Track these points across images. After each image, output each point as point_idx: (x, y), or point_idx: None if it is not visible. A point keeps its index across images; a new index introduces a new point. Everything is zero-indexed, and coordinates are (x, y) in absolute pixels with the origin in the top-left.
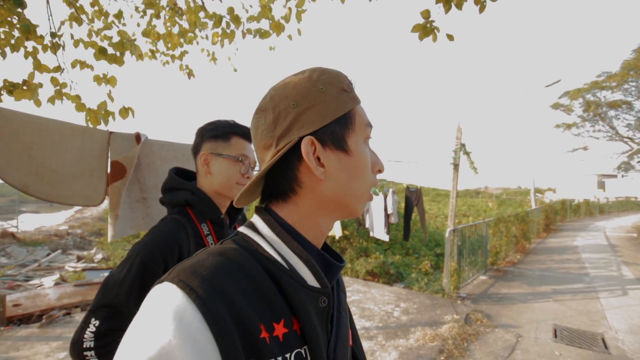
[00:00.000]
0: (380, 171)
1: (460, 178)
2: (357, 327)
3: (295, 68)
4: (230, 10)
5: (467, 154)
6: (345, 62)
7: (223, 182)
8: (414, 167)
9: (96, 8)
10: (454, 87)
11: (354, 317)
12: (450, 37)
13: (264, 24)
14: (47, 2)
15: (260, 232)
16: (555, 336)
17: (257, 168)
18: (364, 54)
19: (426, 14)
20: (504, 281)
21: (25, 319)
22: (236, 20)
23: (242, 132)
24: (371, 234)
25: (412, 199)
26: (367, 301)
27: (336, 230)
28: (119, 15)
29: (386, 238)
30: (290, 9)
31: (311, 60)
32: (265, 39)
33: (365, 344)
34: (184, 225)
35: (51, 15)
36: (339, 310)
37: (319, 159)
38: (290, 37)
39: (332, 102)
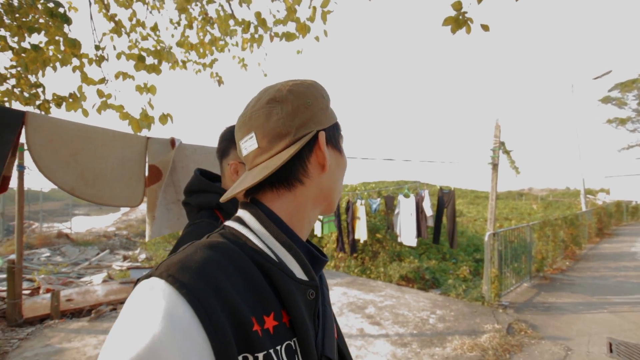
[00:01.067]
0: None
1: (501, 179)
2: (391, 333)
3: (322, 70)
4: (258, 15)
5: (507, 152)
6: (375, 60)
7: None
8: (450, 168)
9: (134, 21)
10: (491, 82)
11: (386, 322)
12: (485, 28)
13: (291, 27)
14: (91, 17)
15: (248, 225)
16: (611, 351)
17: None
18: (393, 51)
19: (458, 5)
20: (551, 290)
21: (76, 313)
22: (263, 24)
23: None
24: (399, 240)
25: (444, 200)
26: (400, 307)
27: (361, 235)
28: (155, 27)
29: (414, 244)
30: (314, 8)
31: (340, 62)
32: (292, 41)
33: (399, 351)
34: (213, 223)
35: (95, 30)
36: (324, 304)
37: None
38: (317, 38)
39: (330, 110)
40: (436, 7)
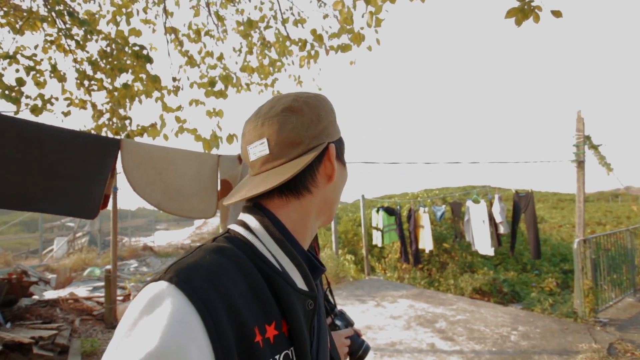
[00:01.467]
0: None
1: (589, 178)
2: (466, 349)
3: (376, 80)
4: (314, 32)
5: (594, 147)
6: (436, 55)
7: None
8: (525, 169)
9: (203, 54)
10: (570, 70)
11: (460, 338)
12: (556, 14)
13: (344, 39)
14: (169, 54)
15: (253, 231)
16: None
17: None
18: (456, 43)
19: None
20: None
21: None
22: (319, 39)
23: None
24: (473, 248)
25: (520, 205)
26: (475, 322)
27: (426, 244)
28: (221, 57)
29: (491, 252)
30: (371, 13)
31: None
32: (347, 52)
33: None
34: None
35: (172, 64)
36: (319, 314)
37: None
38: (369, 48)
39: (337, 125)
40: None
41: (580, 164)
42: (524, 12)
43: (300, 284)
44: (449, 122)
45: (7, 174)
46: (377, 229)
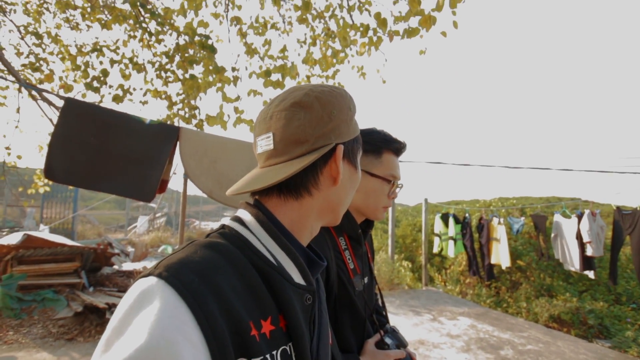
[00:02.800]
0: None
1: None
2: None
3: (449, 74)
4: (377, 16)
5: None
6: (520, 49)
7: (371, 204)
8: (632, 181)
9: (266, 47)
10: None
11: None
12: None
13: (413, 23)
14: (229, 41)
15: (248, 226)
16: None
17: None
18: (545, 35)
19: None
20: None
21: None
22: (383, 24)
23: (396, 149)
24: (565, 267)
25: (623, 225)
26: (550, 355)
27: (502, 259)
28: (283, 49)
29: (591, 274)
30: None
31: (470, 59)
32: (414, 37)
33: None
34: (325, 238)
35: (232, 54)
36: (320, 309)
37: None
38: (444, 33)
39: (353, 123)
40: None
41: None
42: None
43: (298, 278)
44: (533, 123)
45: (80, 156)
46: (440, 236)
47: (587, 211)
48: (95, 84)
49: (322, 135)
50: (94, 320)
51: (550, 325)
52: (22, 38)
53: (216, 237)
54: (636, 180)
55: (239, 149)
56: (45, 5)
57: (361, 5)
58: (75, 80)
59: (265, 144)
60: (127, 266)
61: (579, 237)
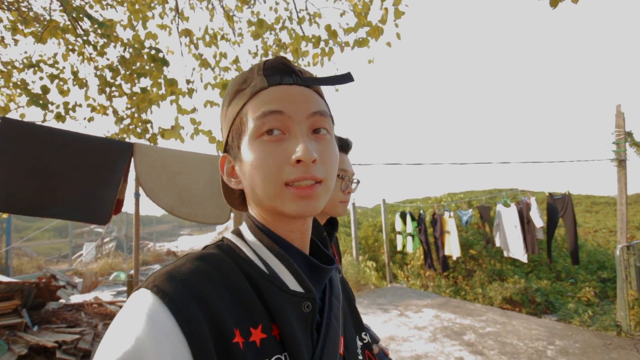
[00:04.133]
0: (298, 161)
1: (631, 178)
2: None
3: (397, 80)
4: (328, 28)
5: (637, 144)
6: (460, 53)
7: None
8: (555, 170)
9: (218, 57)
10: (608, 63)
11: (491, 352)
12: None
13: (361, 33)
14: (182, 54)
15: (244, 237)
16: None
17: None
18: (482, 39)
19: None
20: None
21: None
22: (334, 35)
23: (340, 146)
24: (505, 254)
25: (556, 208)
26: (507, 334)
27: (453, 250)
28: (236, 60)
29: (524, 259)
30: (386, 9)
31: (414, 65)
32: (363, 47)
33: None
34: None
35: (185, 66)
36: (329, 317)
37: (234, 170)
38: (389, 44)
39: (228, 114)
40: None
41: (622, 162)
42: None
43: (293, 285)
44: (474, 121)
45: (21, 180)
46: (401, 233)
47: (533, 198)
48: (37, 101)
49: (225, 150)
50: None
51: (504, 307)
52: None
53: (212, 248)
54: (559, 169)
55: (199, 161)
56: None
57: (311, 18)
58: (10, 98)
59: None
60: (76, 298)
61: (529, 222)
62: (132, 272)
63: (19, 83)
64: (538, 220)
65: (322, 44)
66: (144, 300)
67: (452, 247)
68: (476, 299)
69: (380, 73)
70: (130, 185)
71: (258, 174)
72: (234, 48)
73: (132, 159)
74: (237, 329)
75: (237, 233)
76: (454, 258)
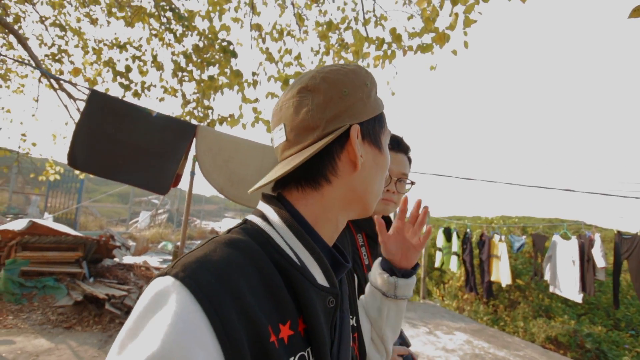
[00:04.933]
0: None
1: None
2: None
3: (456, 88)
4: (393, 31)
5: None
6: (529, 69)
7: None
8: (631, 205)
9: (282, 52)
10: None
11: None
12: None
13: (426, 39)
14: (251, 47)
15: (271, 223)
16: None
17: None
18: (553, 55)
19: None
20: None
21: None
22: (398, 39)
23: (391, 143)
24: (551, 289)
25: (622, 248)
26: None
27: (502, 277)
28: (298, 56)
29: (578, 298)
30: (456, 14)
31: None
32: (427, 52)
33: None
34: (345, 232)
35: (253, 58)
36: (342, 311)
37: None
38: (455, 52)
39: (373, 100)
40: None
41: None
42: None
43: (321, 279)
44: (538, 143)
45: (101, 146)
46: (442, 250)
47: (597, 235)
48: (120, 79)
49: (334, 118)
50: (92, 311)
51: (546, 346)
52: (46, 29)
53: (238, 232)
54: (637, 205)
55: (252, 149)
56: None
57: (377, 20)
58: (98, 74)
59: (278, 136)
60: (128, 259)
61: (589, 260)
62: (178, 243)
63: (107, 61)
64: (600, 259)
65: (385, 46)
66: (171, 293)
67: (502, 273)
68: (516, 332)
69: (442, 80)
70: (188, 163)
71: (385, 173)
72: (298, 44)
73: (194, 139)
74: (270, 326)
75: (262, 216)
76: (503, 285)
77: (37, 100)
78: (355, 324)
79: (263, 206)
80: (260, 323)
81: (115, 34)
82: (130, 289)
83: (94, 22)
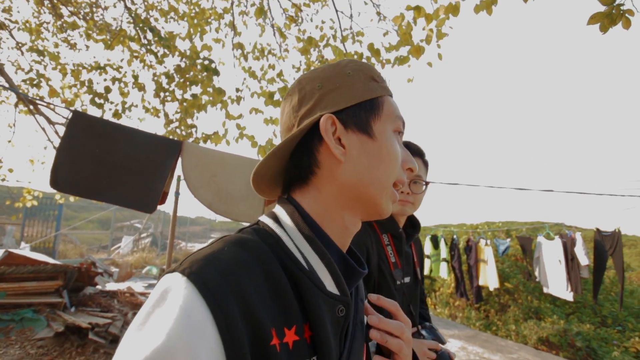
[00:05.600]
0: (411, 170)
1: None
2: None
3: (434, 98)
4: (371, 47)
5: None
6: (505, 73)
7: None
8: (607, 206)
9: (265, 70)
10: None
11: None
12: None
13: (403, 52)
14: (234, 66)
15: (282, 223)
16: None
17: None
18: (528, 60)
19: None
20: None
21: None
22: (376, 53)
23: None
24: (545, 290)
25: (604, 246)
26: None
27: (490, 281)
28: (280, 74)
29: (569, 297)
30: (431, 30)
31: (455, 86)
32: (404, 64)
33: None
34: (369, 231)
35: (235, 76)
36: (355, 321)
37: (339, 140)
38: (430, 64)
39: (359, 87)
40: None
41: None
42: (610, 18)
43: (331, 286)
44: (517, 146)
45: (84, 167)
46: (430, 257)
47: (578, 234)
48: (97, 100)
49: (307, 113)
50: (74, 342)
51: (539, 348)
52: (22, 54)
53: (248, 232)
54: (612, 205)
55: (238, 164)
56: (44, 25)
57: (354, 36)
58: (76, 95)
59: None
60: (111, 286)
61: (573, 259)
62: (164, 267)
63: (85, 83)
64: (583, 257)
65: (364, 60)
66: (178, 288)
67: (489, 277)
68: (508, 335)
69: (418, 85)
70: (173, 181)
71: (390, 164)
72: (279, 62)
73: (180, 156)
74: (274, 329)
75: (274, 218)
76: (491, 289)
77: (14, 126)
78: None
79: (277, 208)
80: (262, 324)
81: (94, 57)
82: (115, 317)
83: (72, 46)
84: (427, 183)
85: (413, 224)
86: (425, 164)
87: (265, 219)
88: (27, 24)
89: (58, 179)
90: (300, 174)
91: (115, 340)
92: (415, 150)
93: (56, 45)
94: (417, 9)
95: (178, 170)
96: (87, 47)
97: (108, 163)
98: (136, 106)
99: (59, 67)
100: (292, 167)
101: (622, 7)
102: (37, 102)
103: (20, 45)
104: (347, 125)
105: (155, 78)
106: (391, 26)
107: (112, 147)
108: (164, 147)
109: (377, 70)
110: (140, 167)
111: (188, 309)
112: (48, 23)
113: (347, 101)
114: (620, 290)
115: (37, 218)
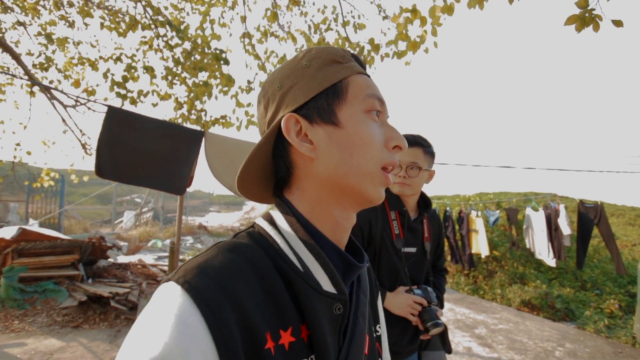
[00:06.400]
0: (399, 148)
1: None
2: (504, 358)
3: (430, 80)
4: (371, 41)
5: None
6: (497, 56)
7: None
8: (601, 179)
9: (268, 54)
10: None
11: (500, 346)
12: (617, 24)
13: (401, 46)
14: (246, 65)
15: (278, 226)
16: None
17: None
18: (518, 43)
19: (583, 3)
20: None
21: None
22: (376, 48)
23: None
24: (537, 256)
25: (589, 217)
26: (518, 333)
27: (482, 249)
28: (283, 58)
29: (552, 263)
30: (425, 31)
31: (448, 69)
32: (402, 58)
33: None
34: (377, 208)
35: (247, 66)
36: (356, 316)
37: (307, 136)
38: (426, 50)
39: (318, 75)
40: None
41: None
42: (583, 20)
43: (327, 285)
44: (508, 123)
45: (121, 155)
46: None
47: (562, 206)
48: (116, 88)
49: (273, 117)
50: (96, 309)
51: (521, 309)
52: (27, 33)
53: (243, 237)
54: (604, 178)
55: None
56: (42, 3)
57: (355, 23)
58: (97, 85)
59: None
60: (123, 259)
61: (556, 229)
62: (170, 240)
63: (107, 74)
64: (565, 227)
65: (365, 52)
66: (173, 298)
67: (481, 246)
68: (494, 299)
69: (414, 66)
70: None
71: (365, 149)
72: (282, 44)
73: (203, 144)
74: (269, 332)
75: (269, 220)
76: (483, 256)
77: (30, 111)
78: (378, 332)
79: (273, 211)
80: (257, 329)
81: (105, 47)
82: (132, 286)
83: (71, 25)
84: (420, 169)
85: (425, 202)
86: (427, 153)
87: (261, 222)
88: (25, 2)
89: (101, 168)
90: (281, 176)
91: (134, 308)
92: (413, 141)
93: (53, 23)
94: (414, 12)
95: (201, 156)
96: (86, 25)
97: (141, 152)
98: (150, 93)
99: (70, 54)
100: (276, 171)
101: (593, 12)
102: (50, 88)
103: (21, 23)
104: (311, 119)
105: (164, 63)
106: (390, 24)
107: (144, 137)
108: (188, 136)
109: (342, 50)
110: (169, 154)
111: (183, 318)
112: (46, 0)
113: (306, 95)
114: (615, 252)
115: (38, 194)
